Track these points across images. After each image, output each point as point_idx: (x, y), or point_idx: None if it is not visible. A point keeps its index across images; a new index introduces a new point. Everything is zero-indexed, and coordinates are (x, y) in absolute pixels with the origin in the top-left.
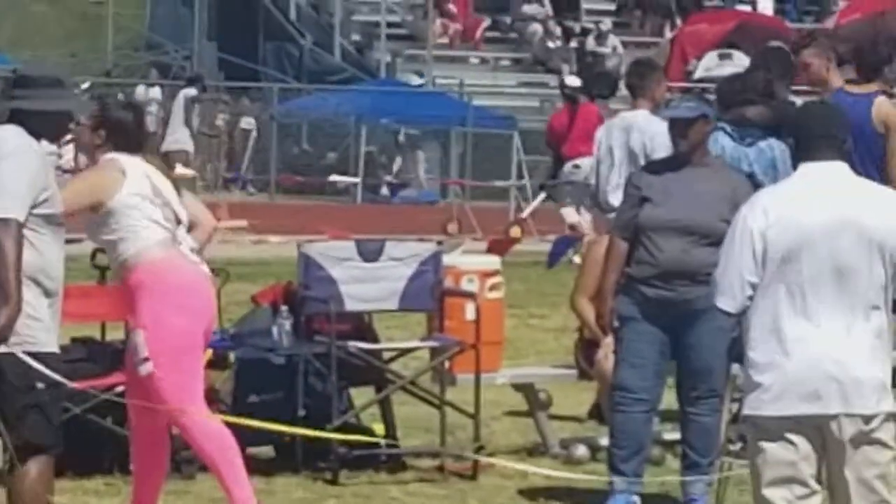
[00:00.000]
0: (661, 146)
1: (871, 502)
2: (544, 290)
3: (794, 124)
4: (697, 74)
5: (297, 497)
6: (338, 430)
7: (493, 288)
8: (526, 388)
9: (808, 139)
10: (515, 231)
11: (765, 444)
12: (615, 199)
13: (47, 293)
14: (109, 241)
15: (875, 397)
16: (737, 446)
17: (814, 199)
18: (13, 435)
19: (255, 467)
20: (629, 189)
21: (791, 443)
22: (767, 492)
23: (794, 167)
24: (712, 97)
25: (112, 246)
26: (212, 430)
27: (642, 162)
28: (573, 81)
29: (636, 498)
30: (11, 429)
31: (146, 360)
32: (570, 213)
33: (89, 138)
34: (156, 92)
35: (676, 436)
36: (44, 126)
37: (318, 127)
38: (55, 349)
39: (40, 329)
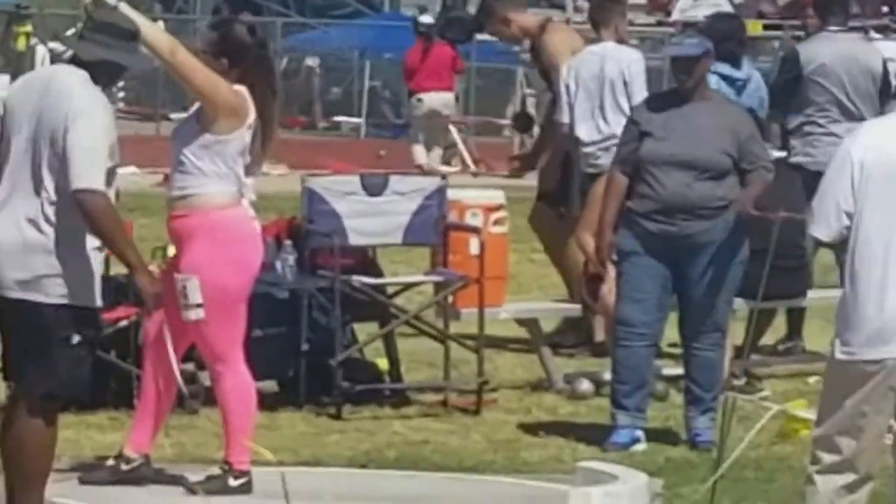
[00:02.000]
0: (638, 73)
1: None
2: None
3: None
4: (674, 16)
5: (300, 432)
6: (341, 364)
7: (497, 222)
8: (529, 323)
9: None
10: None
11: (847, 387)
12: (582, 130)
13: (100, 247)
14: (192, 166)
15: None
16: (741, 381)
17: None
18: (36, 382)
19: (259, 402)
20: (629, 124)
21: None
22: (839, 439)
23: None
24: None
25: (191, 174)
26: (241, 388)
27: (621, 89)
28: (426, 19)
29: (640, 432)
30: (35, 377)
31: (199, 306)
32: (419, 153)
33: (212, 67)
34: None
35: (680, 371)
36: (104, 75)
37: (322, 62)
38: (100, 303)
39: (92, 284)
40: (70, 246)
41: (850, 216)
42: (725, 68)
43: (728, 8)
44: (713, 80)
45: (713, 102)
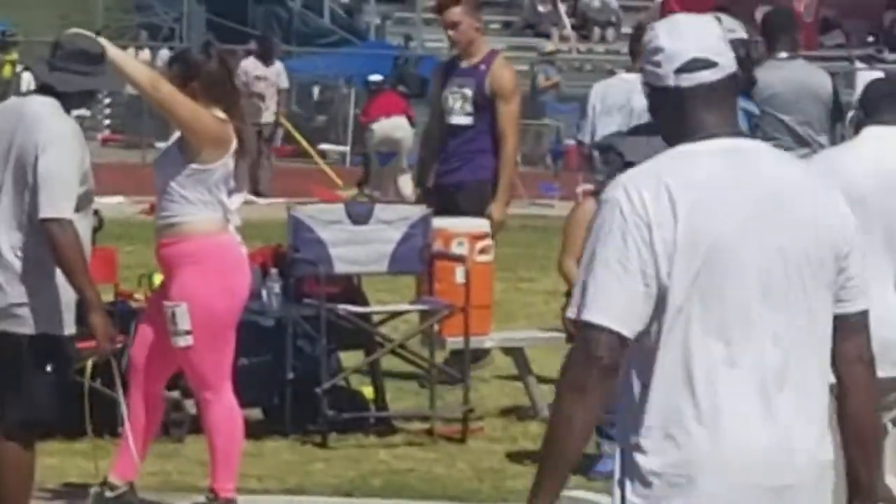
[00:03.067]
0: None
1: None
2: (534, 254)
3: (863, 91)
4: None
5: (285, 460)
6: (327, 392)
7: (482, 251)
8: (515, 352)
9: (872, 103)
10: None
11: None
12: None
13: None
14: (178, 195)
15: None
16: None
17: (868, 161)
18: (12, 410)
19: (244, 430)
20: (611, 156)
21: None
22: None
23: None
24: None
25: (177, 202)
26: (228, 416)
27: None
28: (375, 78)
29: None
30: (11, 405)
31: (188, 333)
32: (406, 184)
33: (187, 94)
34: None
35: None
36: (76, 100)
37: (307, 90)
38: (73, 330)
39: (66, 311)
40: (42, 274)
41: None
42: (742, 101)
43: (743, 33)
44: None
45: None
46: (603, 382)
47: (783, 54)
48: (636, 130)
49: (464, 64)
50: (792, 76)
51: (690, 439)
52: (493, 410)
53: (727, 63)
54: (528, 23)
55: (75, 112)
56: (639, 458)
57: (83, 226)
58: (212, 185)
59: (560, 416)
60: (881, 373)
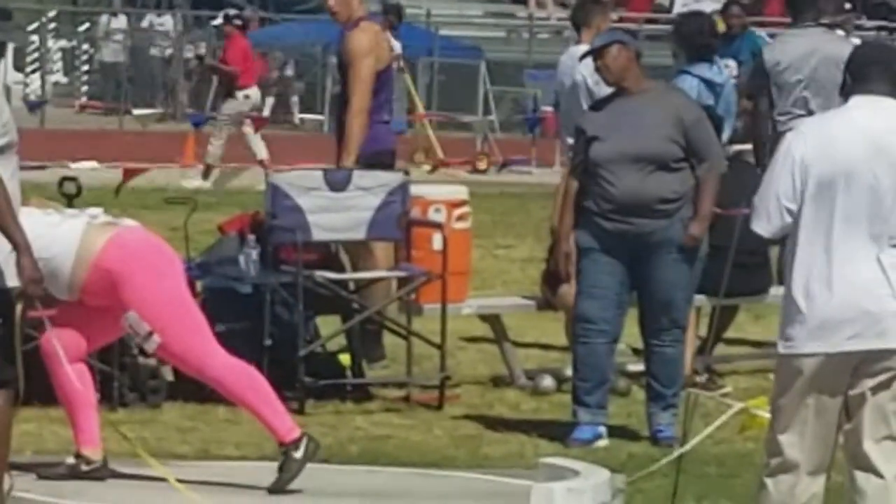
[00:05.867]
0: None
1: (881, 434)
2: (511, 221)
3: (849, 58)
4: (676, 9)
5: (262, 427)
6: (304, 359)
7: (460, 218)
8: (492, 319)
9: (859, 72)
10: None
11: (792, 383)
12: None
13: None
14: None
15: None
16: (703, 378)
17: (857, 131)
18: None
19: (221, 397)
20: (577, 133)
21: (818, 384)
22: (782, 437)
23: (846, 100)
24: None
25: (50, 266)
26: (238, 372)
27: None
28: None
29: (602, 429)
30: None
31: (150, 333)
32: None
33: None
34: (121, 21)
35: (642, 367)
36: None
37: (287, 57)
38: (15, 283)
39: (4, 265)
40: None
41: (791, 213)
42: (704, 70)
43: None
44: (691, 84)
45: (654, 93)
46: None
47: (807, 23)
48: (595, 106)
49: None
50: (810, 45)
51: None
52: (469, 377)
53: None
54: None
55: (10, 70)
56: None
57: (8, 170)
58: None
59: None
60: (867, 345)
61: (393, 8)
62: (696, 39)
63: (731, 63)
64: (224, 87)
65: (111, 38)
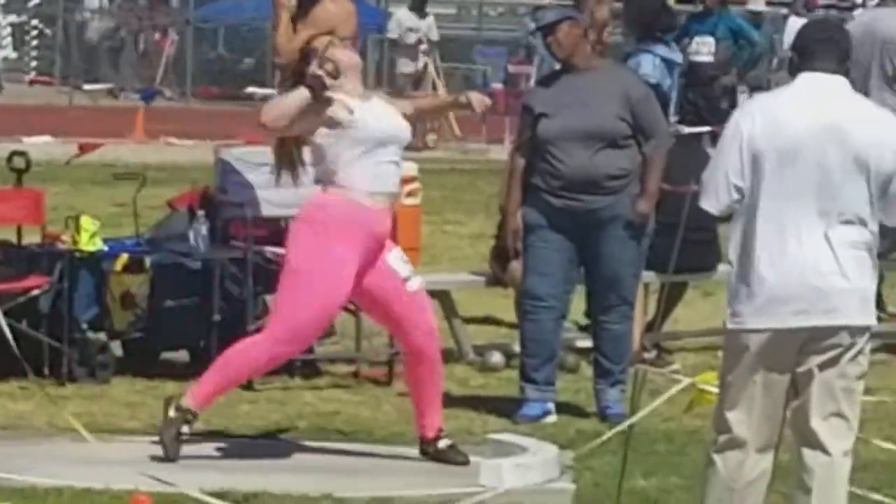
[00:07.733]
0: None
1: (828, 411)
2: (460, 197)
3: (796, 36)
4: None
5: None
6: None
7: (409, 194)
8: (441, 294)
9: (806, 49)
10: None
11: (739, 359)
12: None
13: None
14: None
15: (857, 310)
16: (651, 354)
17: (805, 108)
18: None
19: (170, 372)
20: (523, 111)
21: (766, 361)
22: (730, 414)
23: (794, 77)
24: None
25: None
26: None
27: None
28: None
29: (550, 405)
30: None
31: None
32: None
33: None
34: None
35: (590, 343)
36: None
37: (235, 32)
38: None
39: None
40: None
41: (739, 190)
42: (663, 50)
43: None
44: (655, 63)
45: (602, 70)
46: None
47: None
48: (543, 82)
49: None
50: (865, 24)
51: None
52: None
53: None
54: None
55: None
56: None
57: None
58: None
59: None
60: (814, 322)
61: None
62: (646, 18)
63: (709, 40)
64: None
65: (57, 14)
